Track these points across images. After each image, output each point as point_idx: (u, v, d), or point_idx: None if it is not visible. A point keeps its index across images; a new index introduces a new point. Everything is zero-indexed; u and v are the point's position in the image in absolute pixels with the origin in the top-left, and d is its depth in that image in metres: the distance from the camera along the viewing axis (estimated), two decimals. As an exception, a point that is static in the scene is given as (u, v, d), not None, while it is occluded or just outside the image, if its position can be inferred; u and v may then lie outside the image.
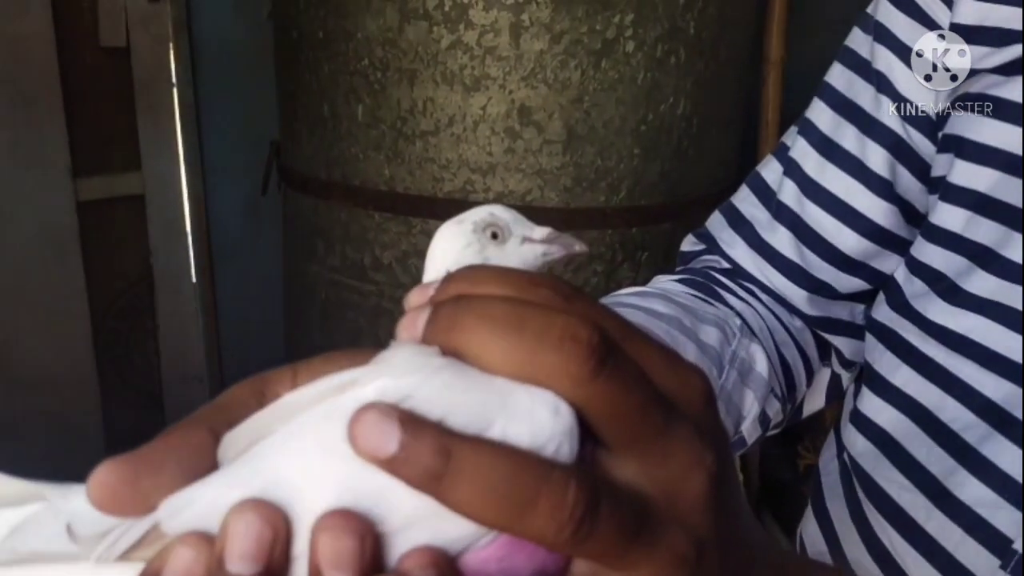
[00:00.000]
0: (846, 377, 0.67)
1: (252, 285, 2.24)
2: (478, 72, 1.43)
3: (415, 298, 0.29)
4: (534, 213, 1.29)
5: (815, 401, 0.68)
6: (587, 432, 0.26)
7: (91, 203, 2.01)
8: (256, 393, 0.29)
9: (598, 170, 1.50)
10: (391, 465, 0.23)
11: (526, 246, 0.34)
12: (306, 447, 0.25)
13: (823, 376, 0.68)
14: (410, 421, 0.24)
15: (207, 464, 0.26)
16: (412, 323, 0.27)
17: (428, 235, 1.36)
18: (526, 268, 0.33)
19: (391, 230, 1.55)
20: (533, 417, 0.25)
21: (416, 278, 1.58)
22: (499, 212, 0.34)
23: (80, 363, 2.09)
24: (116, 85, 1.99)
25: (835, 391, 0.68)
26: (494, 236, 0.33)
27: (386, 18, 1.45)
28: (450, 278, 0.28)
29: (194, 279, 2.21)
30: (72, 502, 0.26)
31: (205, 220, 2.16)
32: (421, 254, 1.33)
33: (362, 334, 1.62)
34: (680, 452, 0.26)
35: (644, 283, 1.59)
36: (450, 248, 0.33)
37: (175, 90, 2.05)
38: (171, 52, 2.02)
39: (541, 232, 0.34)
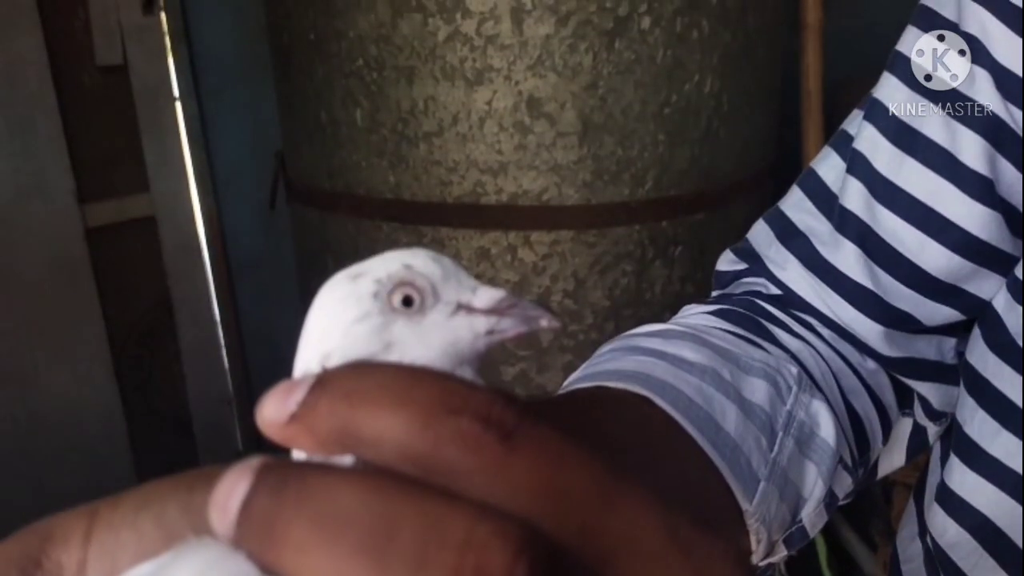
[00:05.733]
0: (933, 430, 0.53)
1: (274, 300, 2.16)
2: (480, 64, 1.31)
3: (270, 410, 0.18)
4: (553, 213, 1.16)
5: (893, 458, 0.53)
6: None
7: (100, 228, 1.94)
8: (25, 565, 0.19)
9: (619, 161, 1.37)
10: None
11: (460, 318, 0.21)
12: None
13: (903, 427, 0.53)
14: None
15: None
16: (226, 500, 0.17)
17: (441, 244, 1.24)
18: (456, 353, 0.21)
19: (401, 241, 1.44)
20: None
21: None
22: (421, 264, 0.21)
23: (103, 393, 2.03)
24: (116, 104, 1.91)
25: (918, 445, 0.54)
26: (407, 302, 0.21)
27: (377, 13, 1.33)
28: (321, 389, 0.18)
29: (214, 299, 2.13)
30: None
31: (220, 237, 2.08)
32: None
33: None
34: None
35: (680, 281, 1.47)
36: (336, 319, 0.21)
37: (178, 104, 1.97)
38: (170, 65, 1.93)
39: (488, 296, 0.22)
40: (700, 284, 1.48)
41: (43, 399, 1.94)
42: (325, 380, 0.18)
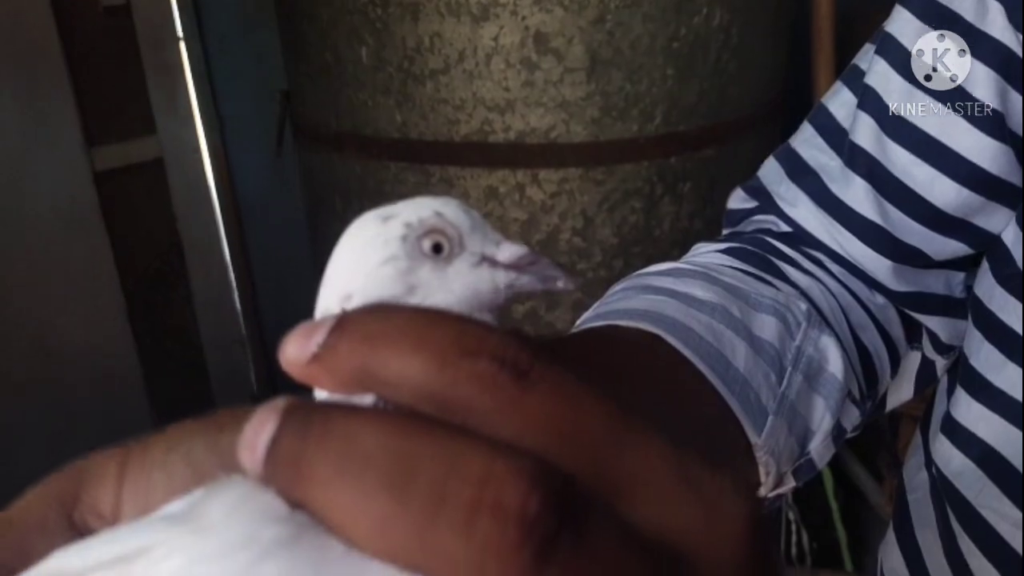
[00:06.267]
0: (941, 363, 0.53)
1: (283, 242, 2.16)
2: (486, -1, 1.29)
3: (292, 350, 0.19)
4: (561, 150, 1.16)
5: (902, 391, 0.54)
6: None
7: (108, 172, 1.94)
8: (63, 503, 0.21)
9: (628, 97, 1.36)
10: None
11: (483, 269, 0.22)
12: None
13: (911, 361, 0.54)
14: None
15: None
16: (254, 440, 0.17)
17: (449, 183, 1.24)
18: (476, 301, 0.22)
19: (409, 181, 1.43)
20: None
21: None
22: (452, 213, 0.22)
23: (116, 336, 2.05)
24: (120, 46, 1.89)
25: (926, 378, 0.54)
26: (436, 249, 0.21)
27: (380, -52, 1.31)
28: (341, 330, 0.19)
29: (224, 241, 2.14)
30: None
31: (228, 179, 2.08)
32: (442, 206, 1.12)
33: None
34: None
35: (689, 217, 1.46)
36: (361, 260, 0.21)
37: (182, 45, 1.95)
38: (173, 5, 1.91)
39: (511, 252, 0.22)
40: (709, 220, 1.48)
41: (58, 344, 1.96)
42: (345, 322, 0.19)
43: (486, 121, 1.36)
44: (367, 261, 0.21)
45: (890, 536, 0.55)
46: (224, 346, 2.23)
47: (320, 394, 0.20)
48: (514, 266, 0.22)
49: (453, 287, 0.21)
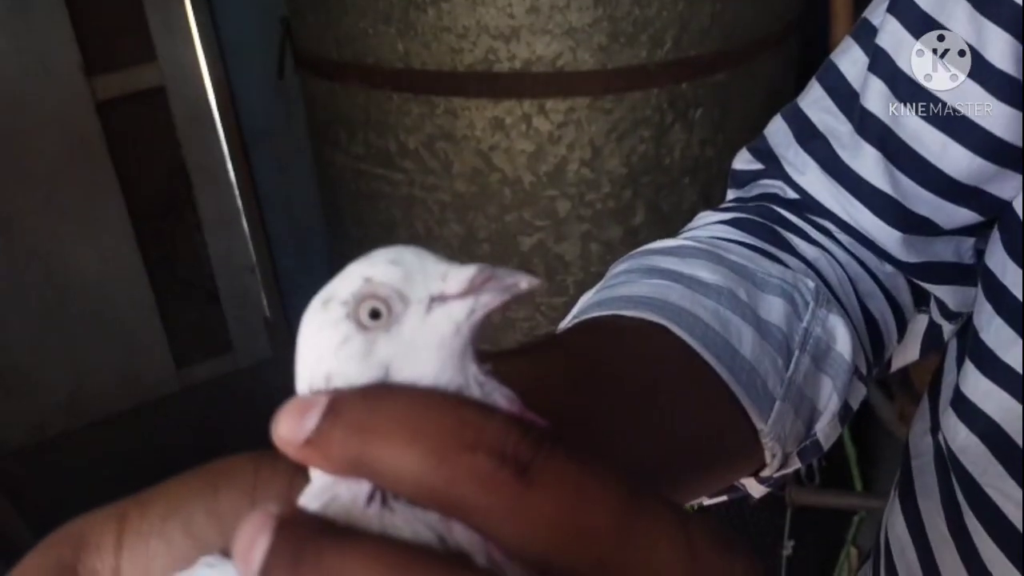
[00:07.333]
0: (948, 328, 0.52)
1: (289, 167, 2.14)
2: (487, -79, 1.24)
3: (285, 430, 0.19)
4: (568, 79, 1.12)
5: (908, 353, 0.53)
6: None
7: (111, 102, 1.91)
8: (64, 570, 0.20)
9: (636, 21, 1.31)
10: None
11: (437, 313, 0.20)
12: None
13: (919, 323, 0.52)
14: None
15: None
16: (247, 553, 0.17)
17: (453, 114, 1.21)
18: (446, 352, 0.21)
19: (413, 111, 1.40)
20: None
21: (446, 163, 1.45)
22: (380, 273, 0.21)
23: (127, 266, 2.05)
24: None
25: (933, 341, 0.53)
26: (375, 315, 0.21)
27: None
28: (335, 416, 0.19)
29: (230, 168, 2.12)
30: None
31: (231, 105, 2.04)
32: (448, 137, 1.19)
33: (397, 226, 1.51)
34: None
35: (700, 144, 1.43)
36: (322, 349, 0.21)
37: (179, -33, 1.90)
38: (167, -75, 1.85)
39: (459, 279, 0.21)
40: (720, 147, 1.45)
41: (70, 276, 1.97)
42: (338, 406, 0.18)
43: (491, 50, 1.32)
44: (329, 345, 0.21)
45: (895, 502, 0.55)
46: (234, 272, 2.23)
47: (316, 472, 0.20)
48: (468, 291, 0.21)
49: (418, 352, 0.20)
